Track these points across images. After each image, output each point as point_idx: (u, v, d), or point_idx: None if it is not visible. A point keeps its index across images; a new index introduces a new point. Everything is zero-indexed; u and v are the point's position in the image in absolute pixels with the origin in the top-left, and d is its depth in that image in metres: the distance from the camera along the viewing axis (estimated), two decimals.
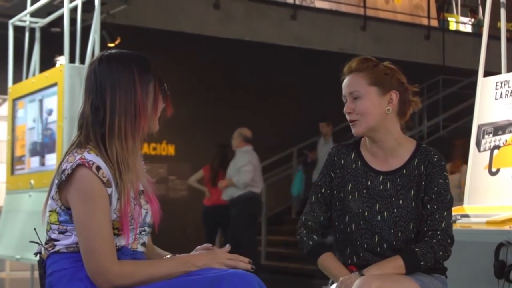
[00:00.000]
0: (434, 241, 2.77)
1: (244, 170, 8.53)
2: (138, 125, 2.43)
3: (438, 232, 2.78)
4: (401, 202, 2.83)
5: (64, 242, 2.39)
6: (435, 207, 2.80)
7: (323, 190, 2.97)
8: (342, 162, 2.96)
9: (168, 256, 2.55)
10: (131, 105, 2.41)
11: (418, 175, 2.85)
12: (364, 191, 2.88)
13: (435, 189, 2.82)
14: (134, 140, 2.44)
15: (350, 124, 2.89)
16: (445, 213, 2.81)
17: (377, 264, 2.79)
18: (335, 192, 2.94)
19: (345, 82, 2.91)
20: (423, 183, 2.84)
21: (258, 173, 8.76)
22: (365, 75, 2.86)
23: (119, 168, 2.37)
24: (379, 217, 2.83)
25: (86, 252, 2.32)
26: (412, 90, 2.95)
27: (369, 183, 2.89)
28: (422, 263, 2.76)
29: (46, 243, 2.43)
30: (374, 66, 2.88)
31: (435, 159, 2.86)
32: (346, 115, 2.90)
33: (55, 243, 2.40)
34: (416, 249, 2.76)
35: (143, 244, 2.50)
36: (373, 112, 2.84)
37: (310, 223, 2.96)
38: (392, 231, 2.82)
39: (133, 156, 2.42)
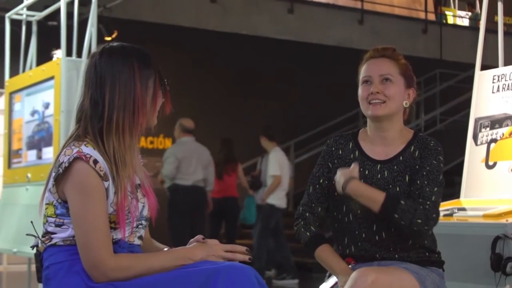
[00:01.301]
0: (421, 207, 2.74)
1: (166, 162, 8.50)
2: (136, 121, 2.42)
3: (428, 203, 2.76)
4: (398, 189, 2.84)
5: (60, 235, 2.38)
6: (426, 182, 2.79)
7: (321, 181, 2.97)
8: (340, 152, 2.97)
9: (165, 249, 2.55)
10: (130, 101, 2.41)
11: (412, 159, 2.86)
12: (362, 180, 2.88)
13: (427, 168, 2.82)
14: (132, 136, 2.43)
15: (374, 103, 2.88)
16: (435, 189, 2.80)
17: (363, 186, 2.78)
18: (332, 182, 2.94)
19: (374, 62, 2.92)
20: (417, 166, 2.84)
21: (188, 165, 8.54)
22: (397, 65, 2.91)
23: (116, 164, 2.37)
24: None
25: (82, 245, 2.32)
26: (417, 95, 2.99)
27: (366, 172, 2.90)
28: (396, 215, 2.72)
29: (42, 236, 2.43)
30: (404, 61, 2.95)
31: (431, 144, 2.88)
32: (364, 96, 2.89)
33: (52, 236, 2.40)
34: (402, 202, 2.73)
35: (140, 238, 2.50)
36: (397, 100, 2.89)
37: (307, 214, 2.96)
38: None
39: (130, 151, 2.42)
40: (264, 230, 9.15)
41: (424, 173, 2.81)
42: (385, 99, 2.87)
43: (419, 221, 2.73)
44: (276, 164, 9.04)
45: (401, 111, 2.93)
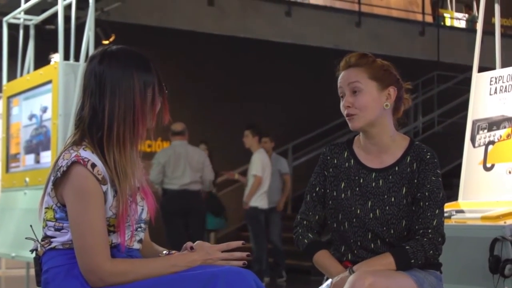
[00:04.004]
0: (425, 239, 2.76)
1: (151, 168, 8.43)
2: (136, 132, 2.41)
3: (430, 231, 2.77)
4: (393, 199, 2.83)
5: (60, 239, 2.38)
6: (427, 204, 2.79)
7: (317, 189, 2.97)
8: (335, 161, 2.96)
9: (165, 252, 2.55)
10: (130, 112, 2.39)
11: (411, 173, 2.85)
12: (357, 188, 2.88)
13: (428, 186, 2.82)
14: (133, 148, 2.43)
15: (347, 118, 2.89)
16: (437, 211, 2.81)
17: (367, 261, 2.79)
18: (328, 191, 2.94)
19: (342, 75, 2.90)
20: (415, 180, 2.84)
21: (174, 169, 8.50)
22: (365, 70, 2.86)
23: (118, 176, 2.36)
24: (371, 214, 2.83)
25: (79, 249, 2.32)
26: (406, 87, 2.95)
27: (361, 180, 2.89)
28: (412, 261, 2.75)
29: (42, 240, 2.42)
30: (372, 61, 2.89)
31: (428, 156, 2.86)
32: (343, 110, 2.88)
33: (51, 240, 2.40)
34: (407, 247, 2.75)
35: (140, 241, 2.50)
36: (373, 107, 2.84)
37: (305, 222, 2.97)
38: (384, 228, 2.82)
39: (131, 163, 2.41)
40: (257, 233, 9.16)
41: (426, 193, 2.80)
42: (356, 112, 2.84)
43: (431, 252, 2.77)
44: (260, 165, 9.05)
45: (387, 115, 2.88)
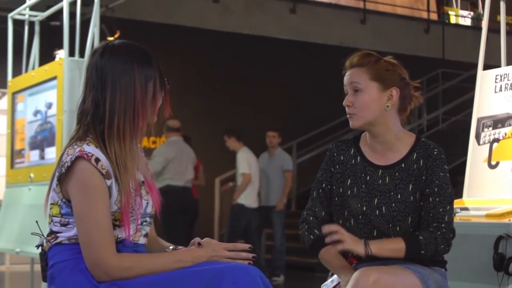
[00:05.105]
0: (439, 233, 2.78)
1: (153, 161, 8.38)
2: (136, 126, 2.42)
3: (443, 225, 2.79)
4: (399, 196, 2.84)
5: (66, 234, 2.39)
6: (437, 199, 2.80)
7: (323, 186, 2.98)
8: (342, 158, 2.97)
9: (171, 247, 2.55)
10: (130, 106, 2.40)
11: (417, 169, 2.86)
12: (363, 186, 2.89)
13: (437, 182, 2.82)
14: (132, 141, 2.43)
15: (348, 116, 2.90)
16: (448, 207, 2.82)
17: (379, 240, 2.79)
18: (334, 187, 2.95)
19: (346, 75, 2.92)
20: (423, 177, 2.84)
21: (179, 164, 8.53)
22: (366, 70, 2.87)
23: (119, 169, 2.38)
24: (377, 211, 2.84)
25: (84, 244, 2.33)
26: (414, 85, 2.95)
27: (368, 177, 2.89)
28: (422, 251, 2.76)
29: (48, 235, 2.43)
30: (375, 61, 2.89)
31: (435, 153, 2.87)
32: (346, 108, 2.90)
33: (57, 235, 2.40)
34: (420, 237, 2.76)
35: (145, 235, 2.50)
36: (372, 108, 2.85)
37: (311, 218, 2.97)
38: (390, 225, 2.83)
39: (130, 155, 2.42)
40: (233, 231, 9.12)
41: (436, 189, 2.82)
42: (355, 111, 2.87)
43: (442, 246, 2.79)
44: (245, 163, 9.05)
45: (389, 115, 2.88)
